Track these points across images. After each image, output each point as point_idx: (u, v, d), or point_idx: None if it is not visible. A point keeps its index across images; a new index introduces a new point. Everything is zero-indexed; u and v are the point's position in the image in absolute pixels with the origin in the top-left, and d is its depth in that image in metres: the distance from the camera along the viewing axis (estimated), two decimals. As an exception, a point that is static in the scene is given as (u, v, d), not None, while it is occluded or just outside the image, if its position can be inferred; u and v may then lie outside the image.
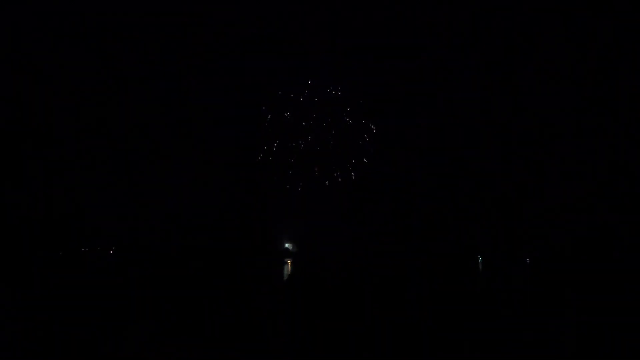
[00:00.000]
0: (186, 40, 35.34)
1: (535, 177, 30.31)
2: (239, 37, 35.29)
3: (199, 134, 36.24)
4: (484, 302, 16.78)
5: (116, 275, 28.88)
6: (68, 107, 35.23)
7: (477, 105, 32.07)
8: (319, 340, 10.43)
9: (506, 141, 31.16)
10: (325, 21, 34.55)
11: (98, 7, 33.48)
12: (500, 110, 31.38)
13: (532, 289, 22.70)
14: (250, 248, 33.33)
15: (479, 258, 32.45)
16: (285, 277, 30.19)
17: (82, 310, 14.97)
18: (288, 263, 35.25)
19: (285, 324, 13.60)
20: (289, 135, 35.91)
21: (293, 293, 20.90)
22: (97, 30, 34.62)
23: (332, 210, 34.12)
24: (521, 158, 30.88)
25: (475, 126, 32.15)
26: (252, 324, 13.74)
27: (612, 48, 28.67)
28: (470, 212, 31.80)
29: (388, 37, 33.02)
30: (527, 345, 9.72)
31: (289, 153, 35.87)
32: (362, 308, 14.90)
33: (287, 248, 36.72)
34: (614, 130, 28.58)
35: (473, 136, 32.17)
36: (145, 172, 35.47)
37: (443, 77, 32.81)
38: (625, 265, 25.21)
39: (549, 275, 26.57)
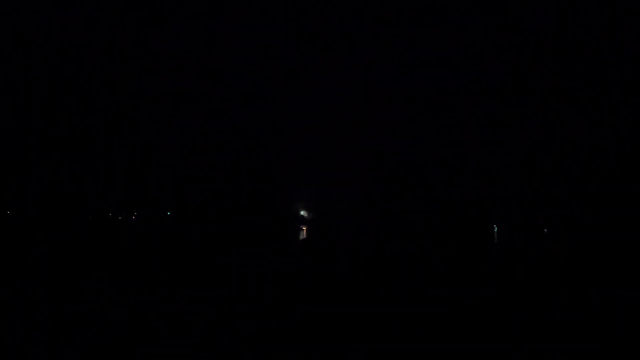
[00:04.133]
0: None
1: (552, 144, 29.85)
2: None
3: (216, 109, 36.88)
4: (499, 274, 16.44)
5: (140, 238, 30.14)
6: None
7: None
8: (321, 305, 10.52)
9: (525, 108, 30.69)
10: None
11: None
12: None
13: (550, 261, 22.25)
14: (267, 215, 33.94)
15: (494, 227, 32.26)
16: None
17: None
18: (303, 230, 35.79)
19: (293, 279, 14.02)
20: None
21: (304, 253, 21.38)
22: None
23: (347, 179, 34.31)
24: (537, 125, 30.43)
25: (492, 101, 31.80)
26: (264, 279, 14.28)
27: None
28: (485, 180, 31.54)
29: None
30: (545, 324, 9.29)
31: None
32: (373, 278, 14.91)
33: (302, 215, 37.29)
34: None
35: (492, 106, 31.79)
36: (165, 143, 36.42)
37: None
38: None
39: (567, 246, 26.11)
